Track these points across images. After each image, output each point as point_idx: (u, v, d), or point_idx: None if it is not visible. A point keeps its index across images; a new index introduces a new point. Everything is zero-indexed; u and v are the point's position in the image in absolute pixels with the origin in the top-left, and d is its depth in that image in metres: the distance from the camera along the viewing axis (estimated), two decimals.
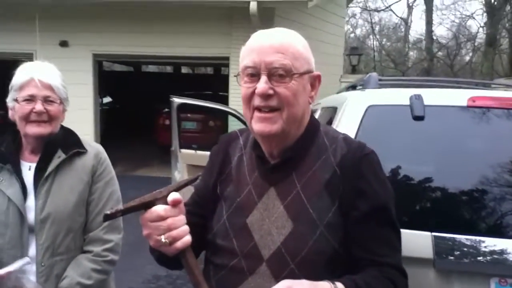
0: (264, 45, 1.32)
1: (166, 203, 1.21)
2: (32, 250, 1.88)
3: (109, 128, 13.58)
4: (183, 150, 5.82)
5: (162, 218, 1.19)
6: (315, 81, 1.41)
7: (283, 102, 1.31)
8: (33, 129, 1.89)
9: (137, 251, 5.32)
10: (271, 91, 1.30)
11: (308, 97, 1.39)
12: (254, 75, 1.32)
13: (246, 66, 1.34)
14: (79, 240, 1.96)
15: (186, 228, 1.23)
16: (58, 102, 1.93)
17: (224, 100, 9.34)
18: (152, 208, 1.20)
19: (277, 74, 1.30)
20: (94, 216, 1.97)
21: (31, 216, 1.88)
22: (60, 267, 1.90)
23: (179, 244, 1.21)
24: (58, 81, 1.94)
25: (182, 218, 1.23)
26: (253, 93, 1.32)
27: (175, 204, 1.21)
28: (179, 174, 5.75)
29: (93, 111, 10.43)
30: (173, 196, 1.21)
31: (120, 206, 1.21)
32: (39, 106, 1.87)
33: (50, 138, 1.94)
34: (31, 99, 1.88)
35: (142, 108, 16.96)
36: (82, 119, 8.72)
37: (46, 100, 1.89)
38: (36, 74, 1.89)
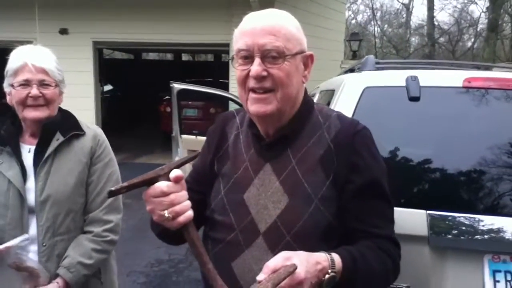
0: (257, 28, 1.34)
1: (168, 179, 1.23)
2: (33, 231, 1.91)
3: (111, 116, 13.59)
4: (184, 136, 5.85)
5: (165, 194, 1.21)
6: (308, 60, 1.43)
7: (277, 83, 1.34)
8: (30, 114, 1.91)
9: (139, 235, 5.39)
10: (265, 73, 1.33)
11: (301, 76, 1.42)
12: (248, 58, 1.35)
13: (240, 49, 1.36)
14: (79, 221, 1.99)
15: (188, 203, 1.25)
16: (54, 85, 1.95)
17: (225, 87, 9.34)
18: (155, 184, 1.23)
19: (270, 56, 1.33)
20: (93, 197, 2.00)
21: (31, 198, 1.91)
22: (61, 247, 1.93)
23: (181, 218, 1.23)
24: (52, 64, 1.95)
25: (184, 193, 1.25)
26: (247, 75, 1.35)
27: (177, 180, 1.23)
28: None
29: (94, 98, 10.47)
30: (176, 172, 1.23)
31: (125, 183, 1.23)
32: (34, 91, 1.89)
33: (49, 121, 1.96)
34: (26, 83, 1.89)
35: (143, 96, 16.94)
36: (83, 107, 8.74)
37: (42, 84, 1.91)
38: (29, 58, 1.90)
